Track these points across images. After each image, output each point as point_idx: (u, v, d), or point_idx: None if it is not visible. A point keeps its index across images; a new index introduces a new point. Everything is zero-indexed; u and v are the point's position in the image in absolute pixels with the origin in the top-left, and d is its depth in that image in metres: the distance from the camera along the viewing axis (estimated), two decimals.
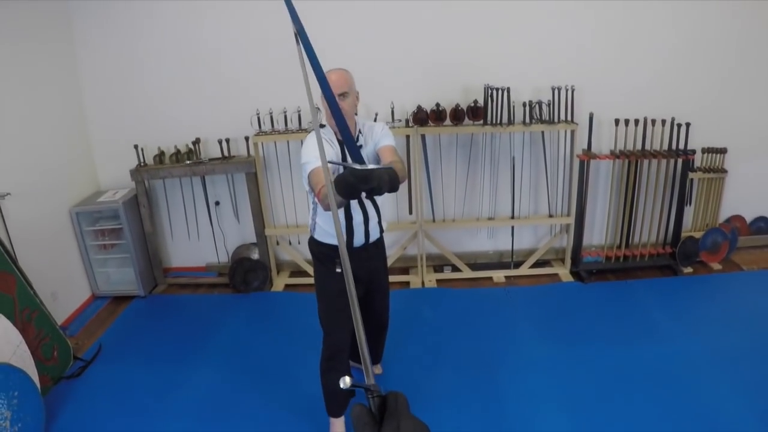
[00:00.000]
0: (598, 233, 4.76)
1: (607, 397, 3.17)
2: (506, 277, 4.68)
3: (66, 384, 3.75)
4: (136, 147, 4.54)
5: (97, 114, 4.71)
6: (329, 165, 2.34)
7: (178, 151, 4.56)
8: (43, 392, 3.48)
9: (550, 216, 4.67)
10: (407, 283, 4.64)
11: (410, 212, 4.57)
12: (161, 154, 4.58)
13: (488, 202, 4.69)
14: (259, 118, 4.44)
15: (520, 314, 4.10)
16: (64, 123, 4.57)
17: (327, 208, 2.45)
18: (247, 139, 4.51)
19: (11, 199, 3.90)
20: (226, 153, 4.51)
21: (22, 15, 4.10)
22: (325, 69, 1.73)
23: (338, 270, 2.78)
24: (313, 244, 2.89)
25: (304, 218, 4.79)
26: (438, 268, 4.81)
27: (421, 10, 4.24)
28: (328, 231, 2.74)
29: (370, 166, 1.76)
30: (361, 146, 2.67)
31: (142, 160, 4.57)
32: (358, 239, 2.78)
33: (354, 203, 2.67)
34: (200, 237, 4.86)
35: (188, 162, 4.49)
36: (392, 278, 4.59)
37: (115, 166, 4.74)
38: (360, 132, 2.72)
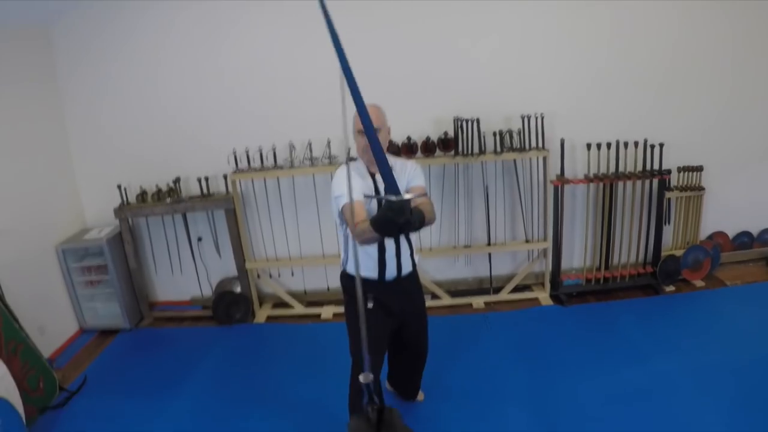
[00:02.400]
0: (578, 256, 4.87)
1: (590, 421, 3.23)
2: (486, 303, 4.79)
3: (51, 414, 3.95)
4: (119, 186, 4.78)
5: (82, 154, 4.97)
6: (363, 198, 2.59)
7: (159, 190, 4.80)
8: (29, 422, 3.68)
9: (527, 241, 4.76)
10: None
11: None
12: (143, 193, 4.82)
13: (464, 230, 4.84)
14: (236, 157, 4.61)
15: (500, 340, 4.21)
16: (51, 163, 4.82)
17: (363, 243, 2.46)
18: (225, 177, 4.65)
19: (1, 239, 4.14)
20: (205, 191, 4.72)
21: (6, 57, 4.34)
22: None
23: (369, 305, 2.80)
24: (345, 278, 2.94)
25: (283, 251, 5.00)
26: None
27: (392, 45, 4.45)
28: (361, 263, 2.79)
29: (407, 196, 1.83)
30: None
31: (125, 199, 4.79)
32: (390, 272, 2.83)
33: (388, 238, 2.68)
34: (183, 271, 5.08)
35: (169, 200, 4.69)
36: None
37: (100, 204, 4.97)
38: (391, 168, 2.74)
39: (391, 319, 2.91)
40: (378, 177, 2.74)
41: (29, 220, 4.50)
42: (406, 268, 2.88)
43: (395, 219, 1.82)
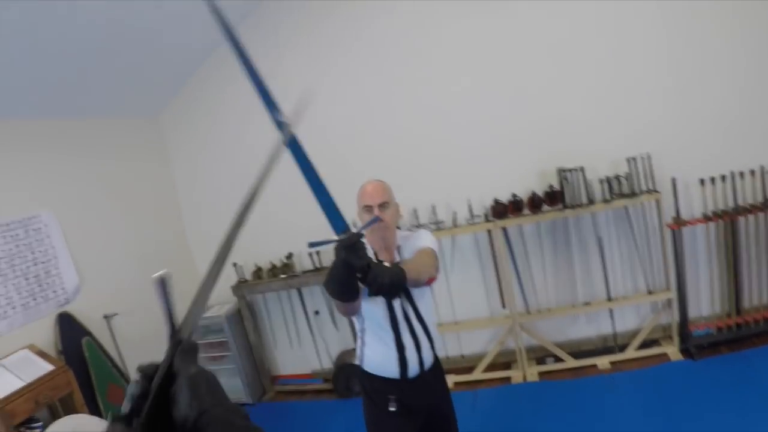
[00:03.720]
0: (705, 303, 4.61)
1: None
2: (611, 362, 4.58)
3: None
4: (234, 264, 5.01)
5: (196, 235, 5.39)
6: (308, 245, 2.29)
7: (273, 266, 4.95)
8: None
9: (650, 292, 4.58)
10: (508, 379, 4.69)
11: (503, 306, 4.71)
12: (258, 269, 5.01)
13: (582, 286, 4.74)
14: None
15: (628, 402, 3.97)
16: (168, 243, 5.26)
17: (346, 314, 2.39)
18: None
19: (119, 318, 4.48)
20: (317, 264, 4.80)
21: (125, 143, 4.91)
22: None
23: (391, 408, 2.53)
24: (364, 377, 2.64)
25: None
26: (540, 360, 4.83)
27: (491, 105, 4.54)
28: (379, 362, 2.55)
29: (359, 231, 1.66)
30: (398, 263, 2.35)
31: (242, 276, 4.97)
32: (413, 370, 2.54)
33: (404, 330, 2.51)
34: (302, 345, 5.27)
35: (283, 276, 4.81)
36: (494, 375, 4.75)
37: (218, 283, 5.07)
38: (399, 247, 2.57)
39: (417, 417, 2.62)
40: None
41: (147, 302, 4.74)
42: (428, 362, 2.59)
43: (350, 261, 1.67)
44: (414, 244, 2.52)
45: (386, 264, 1.82)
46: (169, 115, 5.29)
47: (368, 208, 2.47)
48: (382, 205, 2.45)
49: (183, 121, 5.26)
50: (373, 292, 1.85)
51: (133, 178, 4.92)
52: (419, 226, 4.60)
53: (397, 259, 2.50)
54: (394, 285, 1.86)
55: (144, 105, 5.08)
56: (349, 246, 1.66)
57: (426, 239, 2.52)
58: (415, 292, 2.48)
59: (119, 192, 4.75)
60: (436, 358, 2.66)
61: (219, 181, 5.20)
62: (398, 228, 2.63)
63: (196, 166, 5.28)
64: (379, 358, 2.53)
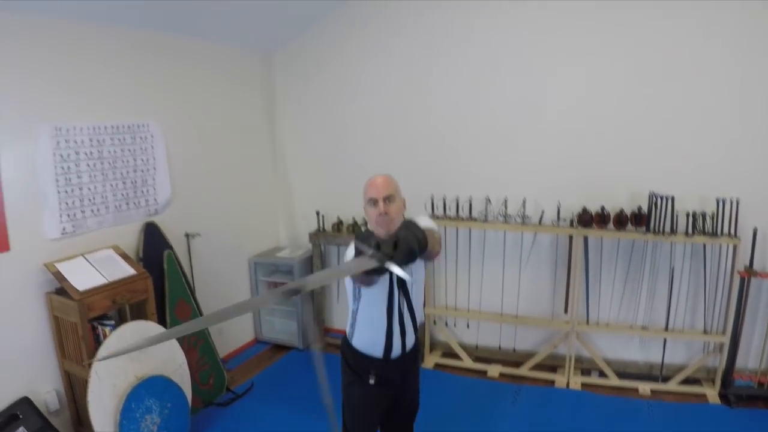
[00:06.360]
0: (754, 356, 4.80)
1: None
2: (652, 390, 4.78)
3: (214, 410, 4.41)
4: (318, 213, 5.35)
5: (288, 176, 5.70)
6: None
7: (355, 222, 5.25)
8: (193, 411, 4.10)
9: (705, 332, 4.80)
10: (552, 382, 4.94)
11: (565, 311, 4.96)
12: (339, 222, 5.31)
13: (643, 310, 4.94)
14: (433, 203, 5.07)
15: None
16: (259, 180, 5.61)
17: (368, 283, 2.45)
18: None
19: (200, 239, 4.76)
20: None
21: (235, 73, 5.25)
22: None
23: (371, 381, 2.74)
24: (348, 349, 2.84)
25: (463, 302, 5.36)
26: (585, 371, 5.08)
27: (596, 116, 4.74)
28: (366, 343, 2.75)
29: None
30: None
31: (321, 225, 5.26)
32: (396, 352, 2.76)
33: (395, 321, 2.67)
34: None
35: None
36: (539, 374, 5.00)
37: (296, 226, 5.46)
38: None
39: (389, 390, 2.84)
40: None
41: (229, 230, 5.17)
42: (410, 344, 2.81)
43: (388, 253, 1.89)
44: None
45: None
46: (283, 56, 5.63)
47: (373, 201, 2.54)
48: (388, 198, 2.52)
49: (295, 64, 5.60)
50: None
51: (237, 108, 5.25)
52: (506, 216, 4.88)
53: None
54: (413, 251, 2.02)
55: (263, 40, 5.40)
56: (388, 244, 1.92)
57: (426, 221, 2.58)
58: (413, 286, 2.66)
59: (222, 118, 5.07)
60: (416, 339, 2.88)
61: (315, 128, 5.55)
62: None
63: (298, 108, 5.60)
64: (366, 341, 2.73)
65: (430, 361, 5.21)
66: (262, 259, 5.38)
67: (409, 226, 2.13)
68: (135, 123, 4.17)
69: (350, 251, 2.50)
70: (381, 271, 1.94)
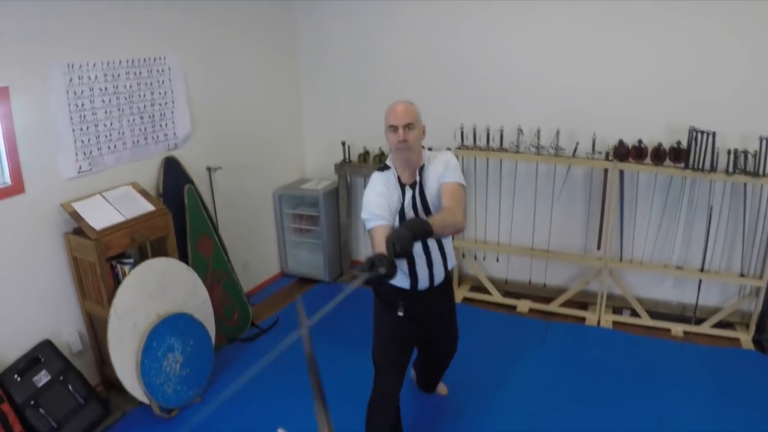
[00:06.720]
0: None
1: None
2: (684, 332, 4.68)
3: (239, 345, 4.39)
4: (343, 144, 5.25)
5: (313, 107, 5.61)
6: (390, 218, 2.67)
7: (382, 153, 5.05)
8: (217, 348, 4.10)
9: (742, 275, 4.67)
10: (583, 319, 4.87)
11: (598, 247, 4.85)
12: (366, 153, 5.18)
13: (679, 249, 4.81)
14: (462, 132, 4.85)
15: (691, 375, 4.08)
16: (283, 111, 5.47)
17: None
18: (449, 150, 4.82)
19: (222, 173, 4.67)
20: None
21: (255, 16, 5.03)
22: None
23: (400, 313, 2.84)
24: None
25: (493, 236, 5.27)
26: (617, 310, 4.99)
27: (636, 45, 4.50)
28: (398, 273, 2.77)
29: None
30: (423, 187, 2.76)
31: (347, 156, 5.17)
32: (423, 283, 2.85)
33: (417, 247, 2.71)
34: None
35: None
36: (570, 311, 4.93)
37: (321, 158, 5.32)
38: (423, 167, 2.76)
39: (420, 328, 2.96)
40: (407, 188, 2.74)
41: (253, 162, 5.09)
42: (439, 278, 2.90)
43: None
44: (438, 170, 2.73)
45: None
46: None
47: (393, 128, 2.63)
48: (408, 126, 2.60)
49: (317, 9, 5.37)
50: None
51: (258, 38, 5.05)
52: (539, 147, 4.69)
53: (418, 179, 2.74)
54: (417, 238, 2.24)
55: None
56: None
57: (453, 171, 2.72)
58: None
59: (242, 48, 4.89)
60: (446, 276, 2.97)
61: (340, 58, 5.37)
62: (424, 148, 2.83)
63: (324, 37, 5.39)
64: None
65: (458, 295, 5.12)
66: (287, 191, 5.29)
67: (412, 225, 2.27)
68: (151, 56, 4.03)
69: (370, 191, 2.70)
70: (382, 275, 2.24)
